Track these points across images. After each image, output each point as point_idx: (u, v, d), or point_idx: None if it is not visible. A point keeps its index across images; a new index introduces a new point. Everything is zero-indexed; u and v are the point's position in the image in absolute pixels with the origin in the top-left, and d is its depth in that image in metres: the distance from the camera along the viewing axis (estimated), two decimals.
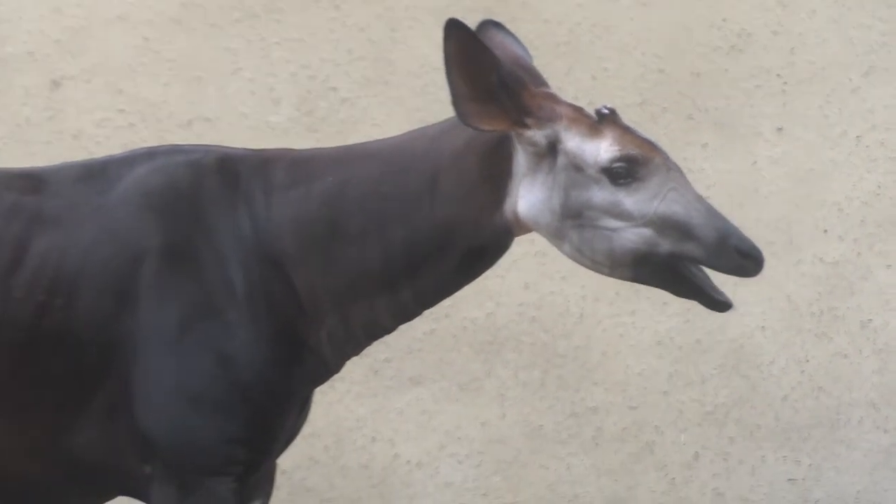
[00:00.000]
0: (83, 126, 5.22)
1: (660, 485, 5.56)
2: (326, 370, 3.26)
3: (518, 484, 5.56)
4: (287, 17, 5.43)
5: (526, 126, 2.97)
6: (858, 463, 5.60)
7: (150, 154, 3.33)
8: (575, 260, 3.03)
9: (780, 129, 5.51)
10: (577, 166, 2.94)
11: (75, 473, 3.18)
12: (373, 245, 3.10)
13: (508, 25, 3.29)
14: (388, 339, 3.27)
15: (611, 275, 3.05)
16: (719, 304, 2.94)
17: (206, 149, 3.42)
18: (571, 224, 2.98)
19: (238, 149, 3.44)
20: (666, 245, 2.91)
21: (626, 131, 2.95)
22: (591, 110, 2.94)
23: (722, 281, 2.86)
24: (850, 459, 5.61)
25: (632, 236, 2.94)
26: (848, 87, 5.55)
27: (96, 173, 3.25)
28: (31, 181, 3.21)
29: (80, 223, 3.13)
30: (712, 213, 2.90)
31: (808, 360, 5.52)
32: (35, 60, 5.38)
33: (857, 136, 5.50)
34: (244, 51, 5.39)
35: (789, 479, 5.53)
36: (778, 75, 5.52)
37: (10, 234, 3.04)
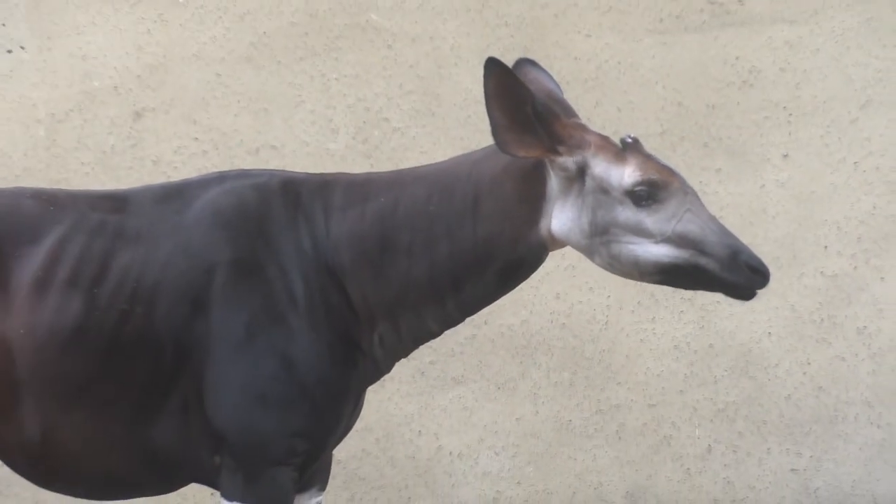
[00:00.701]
0: (162, 153, 5.58)
1: (676, 474, 5.88)
2: (378, 371, 3.54)
3: (549, 473, 5.89)
4: (344, 55, 5.77)
5: (558, 153, 3.21)
6: (854, 455, 5.90)
7: (221, 178, 3.60)
8: (607, 270, 3.32)
9: (785, 156, 5.80)
10: (603, 189, 3.19)
11: (151, 465, 3.46)
12: (420, 259, 3.37)
13: (542, 63, 3.55)
14: (432, 343, 3.56)
15: (641, 280, 3.34)
16: (744, 292, 3.27)
17: (271, 173, 3.67)
18: (600, 241, 3.24)
19: (300, 173, 3.69)
20: (684, 257, 3.18)
21: (647, 158, 3.20)
22: (616, 139, 3.23)
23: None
24: (847, 452, 5.91)
25: (653, 251, 3.19)
26: (847, 118, 5.83)
27: (173, 195, 3.54)
28: (115, 202, 3.51)
29: (158, 239, 3.41)
30: (724, 232, 3.16)
31: (809, 363, 5.84)
32: (119, 94, 5.76)
33: (855, 162, 5.80)
34: (306, 85, 5.75)
35: (792, 470, 5.86)
36: (784, 108, 5.80)
37: (95, 249, 3.34)
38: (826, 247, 5.88)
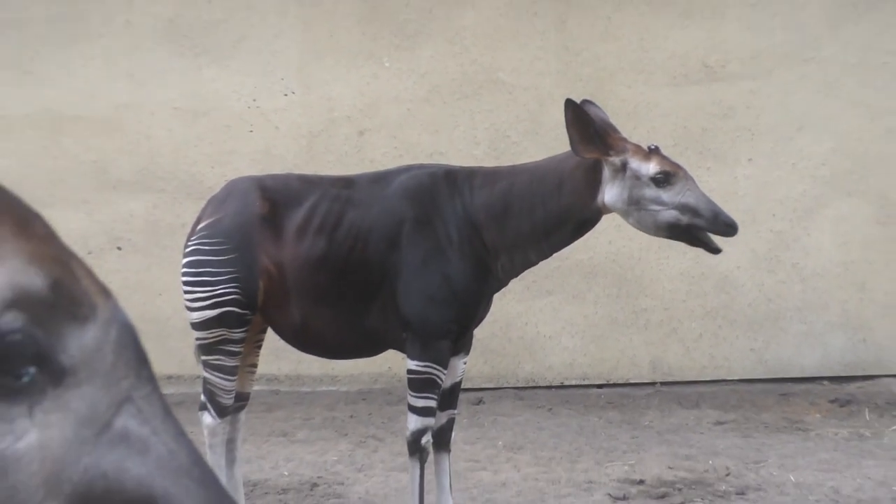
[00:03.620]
0: (375, 156, 6.97)
1: (680, 351, 7.33)
2: (500, 284, 4.15)
3: (603, 349, 7.30)
4: (484, 97, 7.15)
5: (609, 155, 3.73)
6: (789, 340, 7.34)
7: (408, 168, 4.22)
8: (635, 227, 3.94)
9: (750, 160, 7.18)
10: (637, 177, 3.77)
11: (366, 338, 4.16)
12: (526, 219, 3.95)
13: (600, 103, 4.25)
14: (533, 269, 4.29)
15: (655, 235, 3.95)
16: (714, 249, 3.87)
17: (439, 166, 4.27)
18: (634, 208, 3.81)
19: (455, 166, 4.29)
20: (685, 219, 3.74)
21: (664, 158, 3.77)
22: (644, 146, 3.88)
23: (717, 240, 3.87)
24: (785, 338, 7.32)
25: (666, 215, 3.78)
26: (787, 137, 7.20)
27: (380, 178, 4.19)
28: (346, 182, 4.19)
29: (371, 205, 4.04)
30: (710, 202, 3.76)
31: (763, 285, 7.28)
32: (349, 120, 7.25)
33: (793, 164, 7.18)
34: (461, 116, 7.16)
35: (751, 349, 7.33)
36: (748, 130, 7.18)
37: (334, 210, 4.03)
38: (774, 214, 7.20)
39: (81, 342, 0.83)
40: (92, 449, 0.82)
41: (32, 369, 0.80)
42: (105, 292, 0.86)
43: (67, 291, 0.82)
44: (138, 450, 0.84)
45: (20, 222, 0.82)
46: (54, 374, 0.81)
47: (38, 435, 0.79)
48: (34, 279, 0.80)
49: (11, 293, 0.79)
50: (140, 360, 0.88)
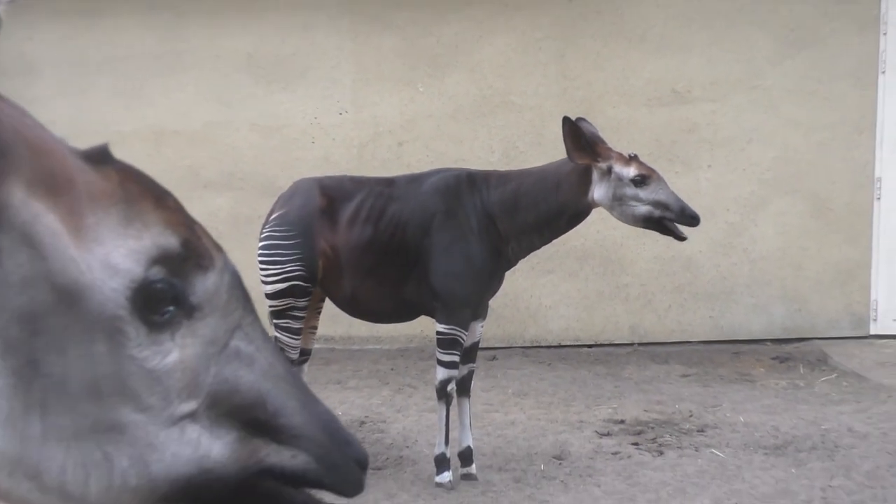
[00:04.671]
0: (411, 162, 6.84)
1: (654, 318, 7.32)
2: (510, 264, 4.28)
3: (593, 317, 7.31)
4: (497, 115, 7.17)
5: (598, 161, 3.87)
6: (740, 310, 7.31)
7: (438, 171, 4.37)
8: (618, 219, 4.09)
9: (709, 166, 7.19)
10: (619, 178, 3.90)
11: (404, 306, 4.28)
12: (531, 212, 4.07)
13: (591, 120, 4.36)
14: (536, 253, 4.44)
15: (634, 225, 4.09)
16: (680, 237, 4.01)
17: (462, 169, 4.39)
18: (617, 204, 3.95)
19: (475, 170, 4.42)
20: (657, 213, 3.88)
21: (641, 163, 3.94)
22: (626, 154, 4.01)
23: (683, 230, 4.00)
24: (737, 308, 7.31)
25: (643, 209, 3.92)
26: (740, 147, 7.19)
27: (415, 178, 4.32)
28: (388, 182, 4.32)
29: (408, 200, 4.16)
30: (679, 199, 3.91)
31: (719, 265, 7.26)
32: (391, 133, 7.29)
33: (744, 169, 7.18)
34: (480, 130, 7.19)
35: (710, 317, 7.34)
36: (708, 142, 7.18)
37: (378, 204, 4.16)
38: (728, 209, 7.19)
39: (205, 286, 0.88)
40: (216, 362, 0.88)
41: (172, 308, 0.85)
42: (218, 248, 0.93)
43: (193, 248, 0.88)
44: (247, 363, 0.90)
45: (157, 198, 0.87)
46: (187, 310, 0.86)
47: (178, 353, 0.85)
48: (170, 240, 0.85)
49: (156, 252, 0.84)
50: (245, 297, 0.94)
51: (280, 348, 3.95)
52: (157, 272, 0.84)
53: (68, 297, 0.79)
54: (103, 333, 0.80)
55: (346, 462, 0.95)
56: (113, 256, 0.81)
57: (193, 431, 0.85)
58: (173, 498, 0.85)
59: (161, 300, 0.84)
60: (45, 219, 0.78)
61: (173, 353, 0.84)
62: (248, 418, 0.89)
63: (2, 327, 0.76)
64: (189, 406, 0.85)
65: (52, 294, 0.78)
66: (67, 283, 0.79)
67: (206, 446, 0.86)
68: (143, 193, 0.87)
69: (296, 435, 0.91)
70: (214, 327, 0.89)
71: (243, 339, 0.91)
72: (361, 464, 0.97)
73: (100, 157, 0.87)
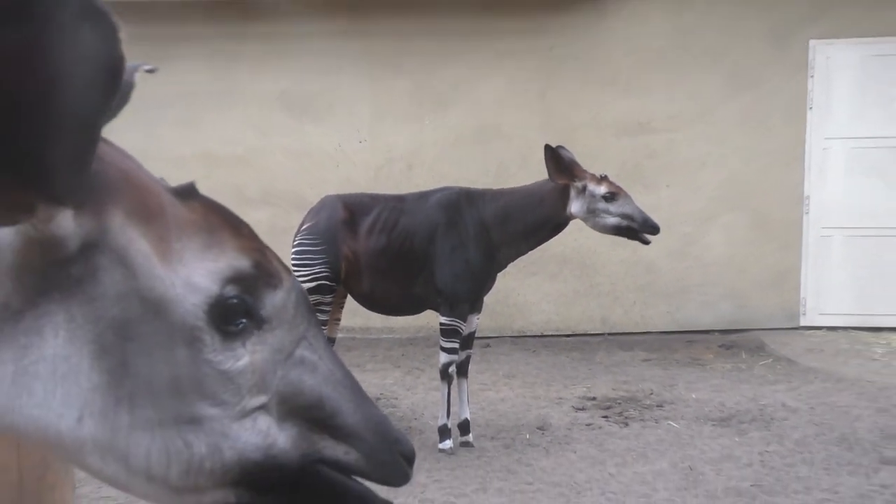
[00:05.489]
0: (419, 182, 6.36)
1: (621, 311, 7.32)
2: (500, 267, 4.23)
3: (571, 310, 7.25)
4: (491, 143, 7.11)
5: (575, 181, 3.90)
6: (693, 306, 7.30)
7: (441, 189, 4.30)
8: (592, 229, 4.06)
9: (668, 186, 7.18)
10: (592, 195, 3.92)
11: (414, 301, 4.26)
12: (518, 223, 4.06)
13: (569, 147, 4.27)
14: (522, 258, 4.40)
15: (605, 233, 4.06)
16: (645, 242, 4.02)
17: (461, 187, 4.30)
18: (591, 216, 3.95)
19: (473, 188, 4.33)
20: (625, 223, 3.91)
21: (611, 182, 3.95)
22: (598, 175, 4.01)
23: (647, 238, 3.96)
24: (691, 305, 7.30)
25: (612, 220, 3.94)
26: (694, 171, 7.19)
27: (423, 195, 4.28)
28: (399, 198, 4.31)
29: (416, 214, 4.15)
30: (642, 212, 3.93)
31: (675, 268, 7.27)
32: (402, 159, 7.23)
33: (696, 189, 7.03)
34: (476, 154, 7.17)
35: (667, 312, 7.30)
36: (667, 166, 7.18)
37: (391, 217, 4.15)
38: (683, 222, 7.15)
39: (273, 302, 0.86)
40: (282, 367, 0.87)
41: (244, 320, 0.84)
42: (287, 269, 0.91)
43: (264, 270, 0.86)
44: (310, 369, 0.89)
45: (234, 228, 0.87)
46: (257, 321, 0.85)
47: (248, 358, 0.84)
48: (243, 263, 0.83)
49: (230, 272, 0.82)
50: (310, 311, 0.91)
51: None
52: (231, 290, 0.83)
53: (155, 310, 0.80)
54: (184, 340, 0.81)
55: (393, 459, 0.93)
56: (194, 276, 0.82)
57: (263, 423, 0.85)
58: (242, 481, 0.84)
59: (234, 313, 0.83)
60: (138, 243, 0.79)
61: (244, 357, 0.84)
62: (310, 416, 0.88)
63: (99, 333, 0.77)
64: (259, 401, 0.85)
65: (142, 306, 0.79)
66: (154, 298, 0.80)
67: (273, 437, 0.85)
68: (222, 224, 0.87)
69: (350, 434, 0.90)
70: (282, 337, 0.88)
71: (308, 349, 0.90)
72: (408, 458, 0.95)
73: (187, 193, 0.87)
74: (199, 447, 0.81)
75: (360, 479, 0.93)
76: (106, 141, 0.79)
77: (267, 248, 0.89)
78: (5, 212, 0.71)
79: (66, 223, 0.75)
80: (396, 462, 0.93)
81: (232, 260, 0.84)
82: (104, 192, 0.77)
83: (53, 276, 0.76)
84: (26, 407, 0.75)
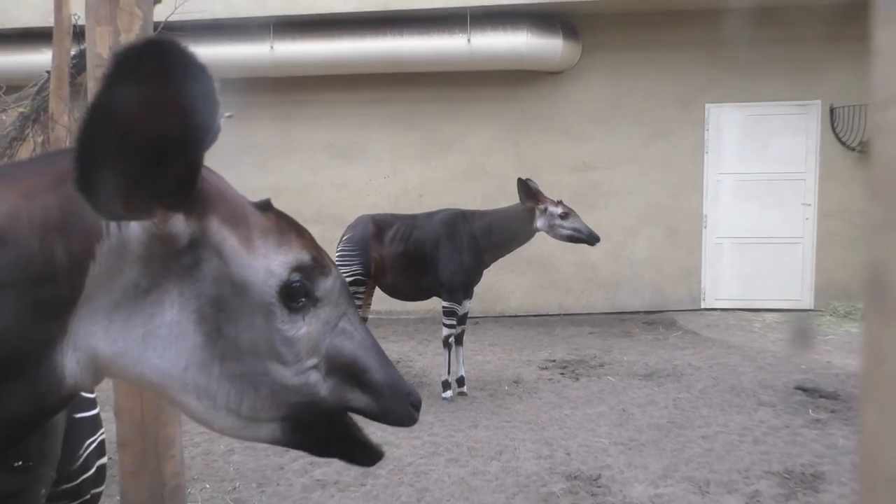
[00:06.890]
0: (427, 206, 6.12)
1: (572, 299, 7.01)
2: (486, 266, 4.13)
3: (546, 301, 6.85)
4: (479, 179, 6.82)
5: (539, 205, 3.88)
6: (624, 294, 6.91)
7: (443, 210, 4.21)
8: (553, 238, 3.95)
9: (606, 207, 6.95)
10: (552, 215, 3.87)
11: (423, 291, 4.15)
12: (500, 235, 3.98)
13: (535, 180, 4.15)
14: (502, 259, 4.29)
15: (562, 241, 3.94)
16: (591, 245, 3.85)
17: (458, 209, 4.21)
18: (551, 230, 3.91)
19: (467, 209, 4.22)
20: (576, 234, 3.87)
21: (565, 206, 3.91)
22: (556, 200, 3.97)
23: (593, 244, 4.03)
24: (623, 293, 6.90)
25: (566, 233, 3.90)
26: (623, 197, 6.91)
27: (430, 214, 4.20)
28: (413, 217, 4.22)
29: (425, 228, 4.08)
30: (587, 227, 3.91)
31: (611, 267, 6.94)
32: (415, 188, 7.03)
33: (626, 209, 6.85)
34: (469, 187, 6.90)
35: (606, 298, 7.00)
36: (606, 194, 6.94)
37: (407, 230, 4.08)
38: (617, 233, 6.91)
39: (325, 286, 0.85)
40: (329, 335, 0.85)
41: (304, 299, 0.83)
42: (333, 262, 0.91)
43: (319, 262, 0.86)
44: (349, 337, 0.87)
45: (299, 231, 0.88)
46: (313, 301, 0.84)
47: (306, 329, 0.82)
48: (305, 256, 0.83)
49: (296, 263, 0.82)
50: (349, 295, 0.90)
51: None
52: (295, 276, 0.82)
53: (241, 289, 0.78)
54: (261, 313, 0.79)
55: (404, 408, 0.90)
56: (270, 265, 0.81)
57: (314, 377, 0.83)
58: (290, 417, 0.82)
59: (297, 294, 0.82)
60: (230, 240, 0.79)
61: (303, 328, 0.83)
62: (346, 372, 0.86)
63: (200, 306, 0.77)
64: (312, 361, 0.83)
65: (232, 287, 0.78)
66: (241, 281, 0.79)
67: (318, 386, 0.83)
68: (289, 228, 0.86)
69: (373, 388, 0.87)
70: (329, 313, 0.86)
71: (347, 322, 0.88)
72: (417, 406, 0.91)
73: (265, 206, 0.88)
74: (265, 390, 0.80)
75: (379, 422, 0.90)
76: (206, 167, 0.80)
77: (321, 247, 0.90)
78: (139, 213, 0.72)
79: (179, 224, 0.76)
80: (407, 410, 0.90)
81: (297, 254, 0.83)
82: (205, 203, 0.78)
83: (170, 263, 0.76)
84: (152, 358, 0.75)
